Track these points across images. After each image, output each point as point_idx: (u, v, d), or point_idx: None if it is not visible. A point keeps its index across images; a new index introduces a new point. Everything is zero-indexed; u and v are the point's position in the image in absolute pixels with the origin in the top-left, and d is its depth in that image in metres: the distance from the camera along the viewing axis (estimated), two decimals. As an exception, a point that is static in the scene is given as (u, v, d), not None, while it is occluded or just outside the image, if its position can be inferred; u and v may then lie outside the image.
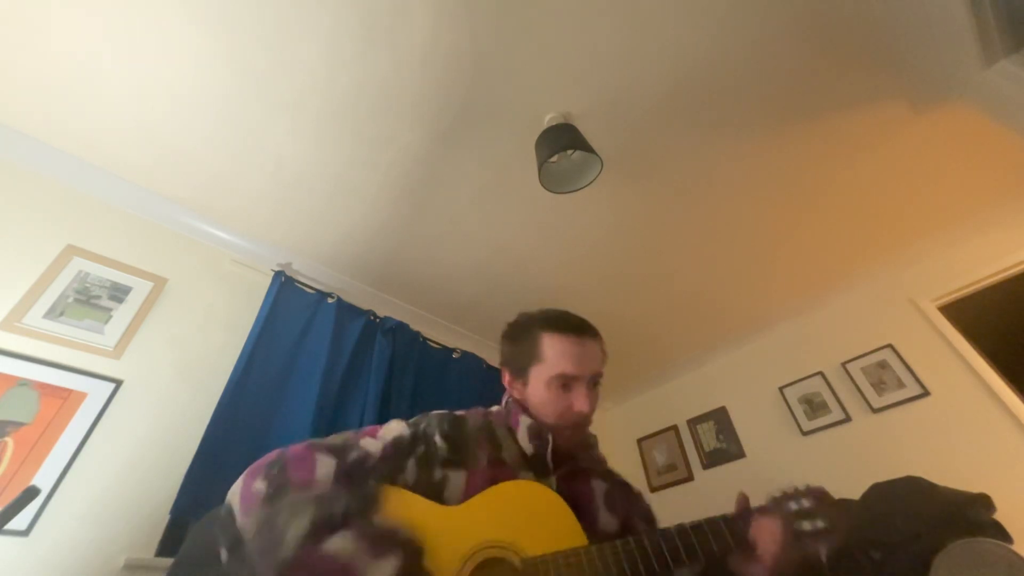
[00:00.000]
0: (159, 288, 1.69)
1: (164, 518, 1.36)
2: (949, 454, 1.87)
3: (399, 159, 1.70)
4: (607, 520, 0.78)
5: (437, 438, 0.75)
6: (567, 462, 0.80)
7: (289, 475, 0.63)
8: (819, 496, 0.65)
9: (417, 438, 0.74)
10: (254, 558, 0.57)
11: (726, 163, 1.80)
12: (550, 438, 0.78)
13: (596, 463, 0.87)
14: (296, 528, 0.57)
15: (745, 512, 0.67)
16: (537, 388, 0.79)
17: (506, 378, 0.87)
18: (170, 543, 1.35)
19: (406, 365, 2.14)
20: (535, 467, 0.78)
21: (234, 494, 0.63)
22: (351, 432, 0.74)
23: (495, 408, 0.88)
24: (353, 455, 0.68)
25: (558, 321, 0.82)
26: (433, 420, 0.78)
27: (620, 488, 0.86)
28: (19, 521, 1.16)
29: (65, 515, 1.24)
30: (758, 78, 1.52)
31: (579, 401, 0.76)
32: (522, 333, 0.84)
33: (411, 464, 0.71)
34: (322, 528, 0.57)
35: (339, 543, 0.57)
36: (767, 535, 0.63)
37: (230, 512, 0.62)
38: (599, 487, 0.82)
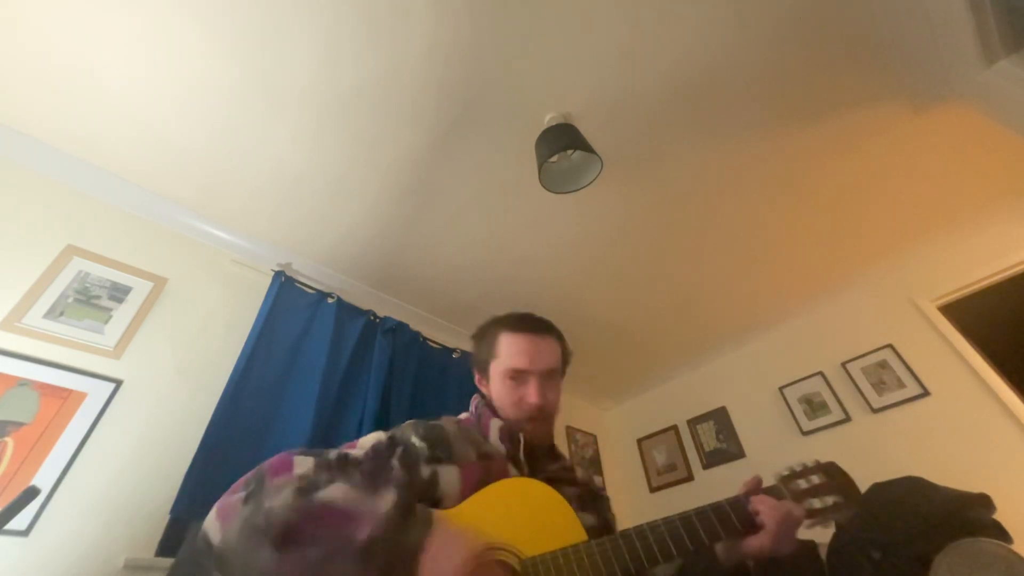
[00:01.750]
0: (159, 288, 1.69)
1: (164, 518, 1.36)
2: (949, 454, 1.87)
3: (399, 159, 1.70)
4: (587, 519, 0.76)
5: (414, 439, 0.74)
6: (539, 471, 0.81)
7: (267, 478, 0.59)
8: (829, 471, 0.65)
9: (395, 441, 0.73)
10: (244, 548, 0.52)
11: (726, 162, 1.80)
12: (521, 438, 0.80)
13: (564, 472, 0.87)
14: (283, 498, 0.53)
15: (753, 494, 0.66)
16: (496, 383, 0.87)
17: (476, 377, 0.94)
18: (170, 543, 1.35)
19: (406, 365, 2.14)
20: (516, 466, 0.78)
21: (210, 517, 0.58)
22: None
23: (464, 415, 0.91)
24: (334, 453, 0.67)
25: (515, 321, 0.89)
26: (407, 427, 0.78)
27: (589, 493, 0.87)
28: (19, 521, 1.16)
29: (65, 515, 1.24)
30: (758, 78, 1.52)
31: (530, 394, 0.82)
32: (485, 333, 0.92)
33: (395, 464, 0.69)
34: (310, 489, 0.55)
35: (333, 491, 0.55)
36: (774, 516, 0.62)
37: (206, 537, 0.56)
38: (571, 493, 0.81)
